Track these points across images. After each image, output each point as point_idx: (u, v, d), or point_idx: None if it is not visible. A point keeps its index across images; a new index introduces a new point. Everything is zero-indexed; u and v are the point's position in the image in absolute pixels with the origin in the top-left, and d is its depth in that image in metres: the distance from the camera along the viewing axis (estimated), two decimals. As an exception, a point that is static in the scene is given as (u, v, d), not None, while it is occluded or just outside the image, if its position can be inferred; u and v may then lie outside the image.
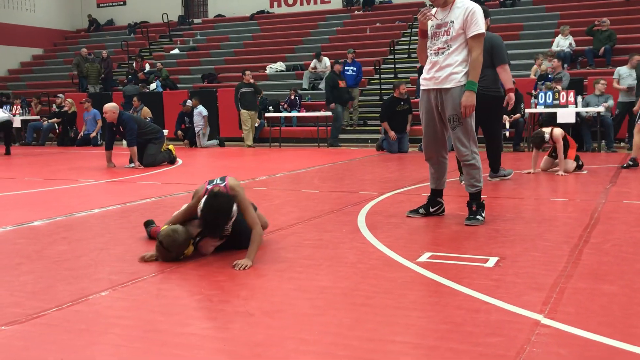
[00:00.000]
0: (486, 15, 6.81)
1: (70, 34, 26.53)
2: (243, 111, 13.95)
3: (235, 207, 3.72)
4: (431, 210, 5.08)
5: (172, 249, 3.75)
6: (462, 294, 3.04)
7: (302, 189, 6.94)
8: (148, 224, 4.55)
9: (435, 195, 5.10)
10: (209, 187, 3.90)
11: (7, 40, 23.87)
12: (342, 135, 14.87)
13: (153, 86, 18.09)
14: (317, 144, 13.78)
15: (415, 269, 3.51)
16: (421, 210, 5.08)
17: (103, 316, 2.86)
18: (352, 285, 3.24)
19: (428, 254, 3.81)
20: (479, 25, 4.60)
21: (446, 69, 4.66)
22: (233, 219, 3.74)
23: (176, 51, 22.00)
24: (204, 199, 3.71)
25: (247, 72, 14.19)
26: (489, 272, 3.41)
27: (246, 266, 3.57)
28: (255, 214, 4.13)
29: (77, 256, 4.00)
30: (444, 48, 4.67)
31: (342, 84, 13.88)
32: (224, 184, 3.88)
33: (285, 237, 4.40)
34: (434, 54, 4.74)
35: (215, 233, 3.78)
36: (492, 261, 3.62)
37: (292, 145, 14.33)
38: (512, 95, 6.85)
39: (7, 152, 13.01)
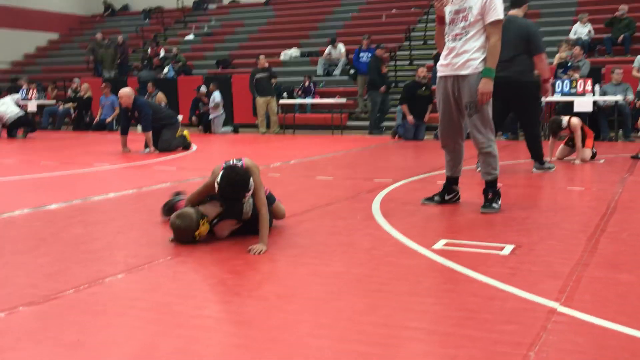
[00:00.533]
0: (523, 1, 6.72)
1: (85, 18, 26.60)
2: (259, 98, 13.91)
3: (252, 181, 3.76)
4: (446, 197, 5.05)
5: (175, 236, 3.83)
6: (478, 282, 3.02)
7: (316, 175, 6.93)
8: (176, 195, 4.59)
9: (451, 183, 5.07)
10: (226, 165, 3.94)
11: (24, 25, 23.99)
12: (356, 123, 14.85)
13: (165, 70, 18.10)
14: (331, 131, 13.75)
15: (431, 256, 3.50)
16: (436, 198, 5.06)
17: (119, 298, 2.89)
18: (366, 272, 3.24)
19: (443, 241, 3.79)
20: (498, 12, 4.56)
21: (464, 55, 4.62)
22: (250, 192, 3.78)
23: (191, 37, 21.98)
24: (221, 173, 3.77)
25: (261, 57, 14.14)
26: (504, 260, 3.39)
27: (261, 251, 3.59)
28: (275, 204, 4.16)
29: (93, 239, 4.03)
30: (462, 34, 4.63)
31: (384, 69, 13.75)
32: (240, 163, 3.91)
33: (300, 224, 4.40)
34: (452, 39, 4.70)
35: (234, 206, 3.82)
36: (508, 249, 3.60)
37: (306, 132, 14.31)
38: (548, 86, 6.75)
39: (24, 135, 13.15)
